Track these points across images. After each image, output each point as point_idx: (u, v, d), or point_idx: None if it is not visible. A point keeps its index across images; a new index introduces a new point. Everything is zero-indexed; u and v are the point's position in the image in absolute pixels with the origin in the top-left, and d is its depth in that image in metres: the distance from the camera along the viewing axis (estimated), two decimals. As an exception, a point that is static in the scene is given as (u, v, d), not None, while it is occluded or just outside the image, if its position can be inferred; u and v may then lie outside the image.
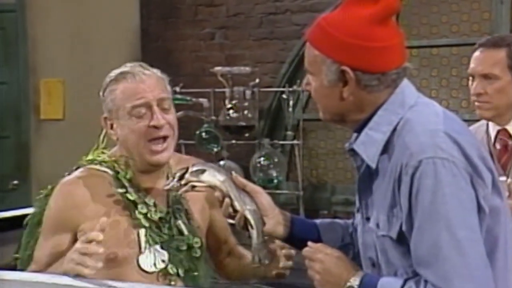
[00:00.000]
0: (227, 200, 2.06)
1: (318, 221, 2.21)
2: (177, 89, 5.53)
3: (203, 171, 2.07)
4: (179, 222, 2.35)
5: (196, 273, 2.36)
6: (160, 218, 2.32)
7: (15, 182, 6.55)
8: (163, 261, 2.30)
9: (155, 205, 2.33)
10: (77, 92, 6.45)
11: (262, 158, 5.56)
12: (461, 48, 5.37)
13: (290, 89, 5.59)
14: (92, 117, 5.49)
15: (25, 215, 2.52)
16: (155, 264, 2.28)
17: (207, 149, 5.52)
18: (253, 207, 2.06)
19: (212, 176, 2.07)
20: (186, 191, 2.11)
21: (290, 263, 2.29)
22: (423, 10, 5.48)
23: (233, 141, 5.61)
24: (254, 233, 2.06)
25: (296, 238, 2.13)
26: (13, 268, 2.37)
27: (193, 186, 2.08)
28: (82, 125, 5.96)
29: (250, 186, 2.11)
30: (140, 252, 2.28)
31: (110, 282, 2.11)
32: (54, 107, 6.62)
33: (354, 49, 1.86)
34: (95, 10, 6.47)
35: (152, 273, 2.28)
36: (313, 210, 5.61)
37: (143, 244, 2.28)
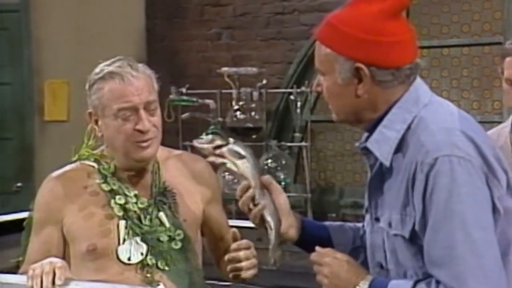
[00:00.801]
0: (251, 192, 2.06)
1: (328, 223, 2.21)
2: (183, 90, 5.55)
3: (241, 157, 2.06)
4: (161, 214, 2.36)
5: (181, 267, 2.35)
6: (141, 209, 2.34)
7: (19, 184, 6.54)
8: (141, 253, 2.30)
9: (136, 196, 2.35)
10: (82, 93, 6.37)
11: (269, 160, 5.55)
12: (472, 48, 5.37)
13: (298, 90, 5.59)
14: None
15: None
16: (130, 257, 2.30)
17: (213, 151, 5.47)
18: (272, 208, 2.07)
19: (246, 166, 2.06)
20: (214, 162, 2.10)
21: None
22: (434, 9, 5.45)
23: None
24: (272, 234, 2.06)
25: (307, 241, 2.12)
26: (17, 270, 2.38)
27: (224, 164, 2.07)
28: (86, 126, 5.93)
29: (274, 184, 2.11)
30: (119, 243, 2.29)
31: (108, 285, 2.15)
32: (59, 108, 6.62)
33: (368, 45, 1.86)
34: (100, 10, 6.46)
35: (131, 265, 2.30)
36: (321, 213, 5.61)
37: (121, 236, 2.30)
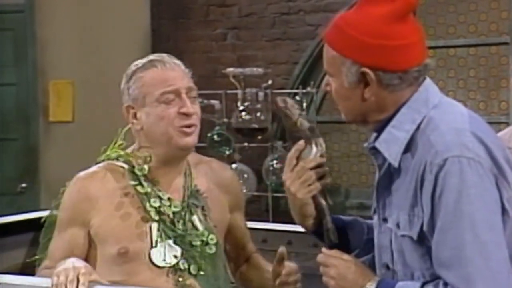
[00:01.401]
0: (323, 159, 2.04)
1: (342, 216, 2.19)
2: (189, 90, 5.50)
3: (315, 129, 2.07)
4: (194, 217, 2.34)
5: (210, 272, 2.33)
6: (174, 213, 2.32)
7: (24, 185, 6.54)
8: (175, 256, 2.29)
9: (169, 199, 2.33)
10: (86, 94, 6.45)
11: (275, 161, 5.54)
12: (478, 49, 5.37)
13: (304, 90, 5.58)
14: (102, 119, 5.45)
15: (33, 219, 2.52)
16: (165, 259, 2.28)
17: (218, 152, 5.49)
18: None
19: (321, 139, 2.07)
20: (301, 126, 2.05)
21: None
22: (440, 9, 5.45)
23: (246, 144, 5.60)
24: (327, 210, 2.06)
25: (322, 231, 2.09)
26: (22, 271, 2.44)
27: (309, 130, 2.06)
28: (91, 127, 5.97)
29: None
30: (151, 246, 2.27)
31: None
32: (63, 109, 6.61)
33: (374, 49, 1.84)
34: (105, 10, 6.46)
35: (163, 268, 2.27)
36: (327, 214, 5.55)
37: (154, 238, 2.28)
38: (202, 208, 2.36)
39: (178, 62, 2.35)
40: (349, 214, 5.68)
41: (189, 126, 2.29)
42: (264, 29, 6.03)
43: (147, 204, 2.29)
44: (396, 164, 1.86)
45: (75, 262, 2.15)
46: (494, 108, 5.32)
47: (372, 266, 1.98)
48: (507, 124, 5.08)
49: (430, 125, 1.83)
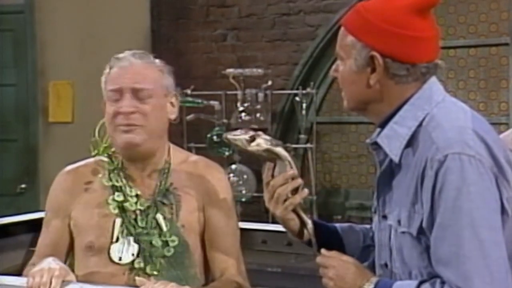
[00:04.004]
0: (299, 181, 2.03)
1: (337, 224, 2.20)
2: (188, 91, 5.55)
3: (277, 144, 2.04)
4: (159, 216, 2.31)
5: (169, 274, 2.28)
6: (140, 210, 2.31)
7: (23, 185, 6.54)
8: (132, 254, 2.28)
9: (137, 196, 2.32)
10: (86, 95, 6.43)
11: (274, 162, 5.49)
12: (478, 49, 5.37)
13: (304, 91, 5.59)
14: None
15: (33, 220, 2.52)
16: (122, 257, 2.28)
17: (218, 152, 5.48)
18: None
19: (285, 152, 2.04)
20: (257, 151, 2.05)
21: None
22: (440, 10, 5.43)
23: (245, 145, 5.54)
24: (310, 224, 2.06)
25: (319, 241, 2.09)
26: (21, 272, 2.36)
27: (267, 151, 2.03)
28: (91, 128, 5.92)
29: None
30: (111, 242, 2.28)
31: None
32: (63, 109, 6.61)
33: (387, 35, 1.86)
34: (105, 11, 6.47)
35: (122, 265, 2.28)
36: (327, 215, 5.60)
37: (116, 234, 2.28)
38: (172, 208, 2.33)
39: (141, 61, 2.33)
40: (349, 215, 5.71)
41: (126, 126, 2.27)
42: (264, 30, 6.03)
43: (110, 198, 2.31)
44: (396, 160, 1.87)
45: (51, 263, 2.16)
46: (494, 109, 5.31)
47: (372, 269, 1.97)
48: (507, 125, 5.08)
49: (432, 122, 1.84)
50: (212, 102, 5.59)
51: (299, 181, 2.03)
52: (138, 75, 2.30)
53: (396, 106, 1.89)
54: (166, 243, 2.29)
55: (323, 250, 1.97)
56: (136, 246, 2.28)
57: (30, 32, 6.70)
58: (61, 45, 6.60)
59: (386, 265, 1.93)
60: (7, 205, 6.06)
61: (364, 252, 2.06)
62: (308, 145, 5.63)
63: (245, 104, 5.53)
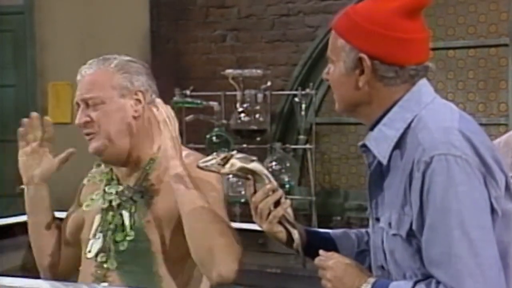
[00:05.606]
0: (280, 193, 2.04)
1: (331, 231, 2.20)
2: (188, 92, 5.55)
3: (252, 160, 2.05)
4: (124, 211, 2.34)
5: (131, 269, 2.30)
6: (112, 206, 2.36)
7: (22, 186, 6.50)
8: (99, 249, 2.34)
9: (117, 193, 2.38)
10: (85, 95, 6.43)
11: (273, 163, 5.53)
12: (478, 50, 5.36)
13: (303, 92, 5.58)
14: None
15: None
16: (90, 251, 2.34)
17: (217, 153, 5.46)
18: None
19: (261, 167, 2.05)
20: (231, 172, 2.07)
21: None
22: (439, 11, 5.44)
23: (244, 145, 5.58)
24: (297, 234, 2.07)
25: (311, 249, 2.08)
26: (21, 273, 2.44)
27: (242, 169, 2.04)
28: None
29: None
30: (89, 237, 2.36)
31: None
32: (62, 110, 6.61)
33: (374, 37, 1.85)
34: (104, 12, 6.47)
35: (88, 259, 2.34)
36: (326, 216, 5.60)
37: (93, 230, 2.35)
38: (143, 203, 2.33)
39: (92, 69, 2.39)
40: (348, 215, 5.71)
41: (86, 135, 2.35)
42: (264, 31, 6.03)
43: (93, 194, 2.40)
44: (385, 162, 1.87)
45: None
46: (493, 110, 5.31)
47: (371, 270, 1.97)
48: (506, 125, 5.08)
49: (420, 124, 1.83)
50: (211, 103, 5.58)
51: (279, 193, 2.03)
52: (87, 85, 2.37)
53: (385, 108, 1.89)
54: (123, 239, 2.33)
55: (321, 251, 1.96)
56: (100, 241, 2.34)
57: (30, 32, 6.71)
58: (61, 46, 6.61)
59: (382, 267, 1.93)
60: (6, 206, 6.05)
61: (359, 258, 2.05)
62: (308, 145, 5.62)
63: (245, 105, 5.52)
